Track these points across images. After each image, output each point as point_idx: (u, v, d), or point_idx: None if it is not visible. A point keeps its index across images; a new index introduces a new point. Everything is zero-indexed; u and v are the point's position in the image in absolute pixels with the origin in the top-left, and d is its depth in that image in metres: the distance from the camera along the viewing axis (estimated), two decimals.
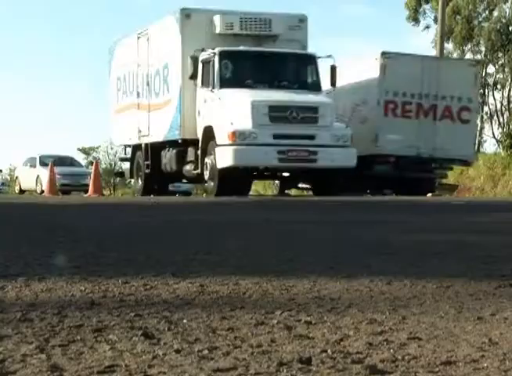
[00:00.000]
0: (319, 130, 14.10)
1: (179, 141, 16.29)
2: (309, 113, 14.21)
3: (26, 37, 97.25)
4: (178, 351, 1.58)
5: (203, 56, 15.21)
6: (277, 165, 14.49)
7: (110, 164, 49.74)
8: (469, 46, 39.65)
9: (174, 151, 16.62)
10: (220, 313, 2.02)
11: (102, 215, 8.23)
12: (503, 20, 37.97)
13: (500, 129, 37.80)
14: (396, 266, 3.10)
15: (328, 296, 2.32)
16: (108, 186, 45.37)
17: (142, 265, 3.10)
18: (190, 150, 15.98)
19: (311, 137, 14.06)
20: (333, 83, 15.09)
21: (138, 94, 18.54)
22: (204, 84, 15.15)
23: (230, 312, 2.04)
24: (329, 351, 1.58)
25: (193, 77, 15.04)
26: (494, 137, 38.05)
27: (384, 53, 16.17)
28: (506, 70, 38.79)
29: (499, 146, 33.18)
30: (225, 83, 14.87)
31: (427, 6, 40.36)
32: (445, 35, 28.49)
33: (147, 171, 17.82)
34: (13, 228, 5.78)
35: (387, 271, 2.87)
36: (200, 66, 15.22)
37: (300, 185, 19.02)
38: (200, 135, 15.30)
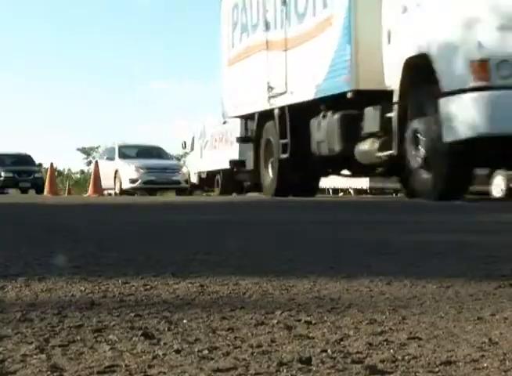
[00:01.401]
0: None
1: (349, 96, 9.43)
2: None
3: (26, 37, 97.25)
4: (178, 351, 1.58)
5: None
6: None
7: None
8: None
9: (338, 116, 9.70)
10: (220, 313, 2.02)
11: (102, 214, 8.24)
12: None
13: None
14: (396, 266, 3.10)
15: (328, 296, 2.32)
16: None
17: (142, 265, 3.10)
18: (371, 113, 9.11)
19: None
20: None
21: (267, 25, 11.58)
22: None
23: (230, 312, 2.04)
24: (329, 351, 1.58)
25: None
26: None
27: None
28: None
29: None
30: None
31: None
32: None
33: (284, 155, 11.22)
34: (13, 228, 5.78)
35: (387, 271, 2.87)
36: None
37: None
38: (394, 80, 8.54)
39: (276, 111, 10.97)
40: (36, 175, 31.62)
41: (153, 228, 5.73)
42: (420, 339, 1.71)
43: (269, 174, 11.82)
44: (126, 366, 1.46)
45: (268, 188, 11.94)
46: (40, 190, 27.34)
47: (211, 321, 1.91)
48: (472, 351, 1.60)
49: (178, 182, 23.27)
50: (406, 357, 1.55)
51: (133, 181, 22.75)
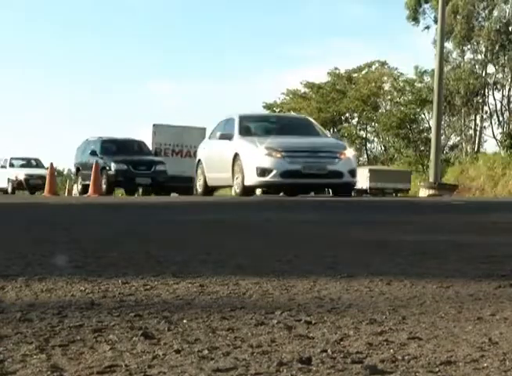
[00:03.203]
0: None
1: None
2: None
3: (25, 37, 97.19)
4: (178, 351, 1.58)
5: None
6: None
7: None
8: (469, 46, 39.66)
9: None
10: (220, 313, 2.02)
11: (102, 215, 8.23)
12: (503, 20, 37.97)
13: (500, 129, 37.81)
14: (396, 266, 3.10)
15: (328, 296, 2.32)
16: None
17: (142, 265, 3.10)
18: None
19: None
20: None
21: None
22: None
23: (230, 312, 2.04)
24: (329, 351, 1.58)
25: None
26: (494, 137, 38.05)
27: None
28: (506, 70, 38.77)
29: (499, 146, 33.19)
30: None
31: (426, 6, 40.38)
32: (444, 35, 28.47)
33: None
34: (13, 228, 5.78)
35: (387, 271, 2.87)
36: None
37: None
38: None
39: None
40: (157, 167, 22.11)
41: (152, 228, 5.73)
42: (420, 339, 1.71)
43: None
44: (126, 366, 1.46)
45: None
46: (160, 188, 21.99)
47: (211, 321, 1.91)
48: (472, 351, 1.60)
49: (339, 175, 13.75)
50: (406, 357, 1.54)
51: (263, 172, 13.78)
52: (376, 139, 50.97)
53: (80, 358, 1.53)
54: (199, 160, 16.59)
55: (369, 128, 50.95)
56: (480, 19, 38.80)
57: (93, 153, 22.16)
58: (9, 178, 31.79)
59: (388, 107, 48.45)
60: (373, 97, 47.98)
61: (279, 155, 13.86)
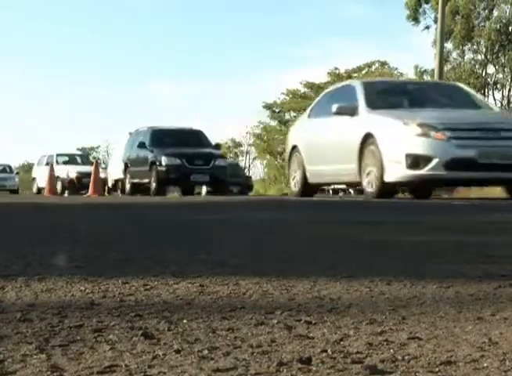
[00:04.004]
0: None
1: None
2: None
3: (25, 36, 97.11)
4: (178, 351, 1.58)
5: None
6: None
7: None
8: (469, 46, 39.67)
9: None
10: (220, 313, 2.02)
11: (102, 214, 8.23)
12: (503, 20, 37.98)
13: None
14: (396, 266, 3.10)
15: (328, 296, 2.32)
16: None
17: (142, 265, 3.10)
18: None
19: None
20: None
21: None
22: None
23: (230, 312, 2.04)
24: (329, 351, 1.58)
25: None
26: None
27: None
28: (506, 70, 38.78)
29: None
30: None
31: (426, 6, 40.38)
32: (444, 35, 28.46)
33: None
34: (13, 228, 5.78)
35: (387, 271, 2.87)
36: None
37: None
38: None
39: None
40: (217, 162, 18.86)
41: (152, 228, 5.73)
42: (420, 339, 1.71)
43: None
44: (126, 366, 1.46)
45: None
46: (220, 187, 19.13)
47: (211, 321, 1.91)
48: (472, 351, 1.60)
49: None
50: (406, 357, 1.54)
51: (416, 161, 9.66)
52: None
53: (80, 358, 1.53)
54: (293, 148, 11.88)
55: None
56: (480, 19, 38.80)
57: (142, 145, 18.84)
58: (58, 177, 26.68)
59: None
60: None
61: (441, 136, 9.32)
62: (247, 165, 66.95)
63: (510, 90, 38.86)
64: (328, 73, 51.79)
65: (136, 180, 18.82)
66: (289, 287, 2.50)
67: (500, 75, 38.94)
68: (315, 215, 7.84)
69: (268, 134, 58.35)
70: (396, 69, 48.45)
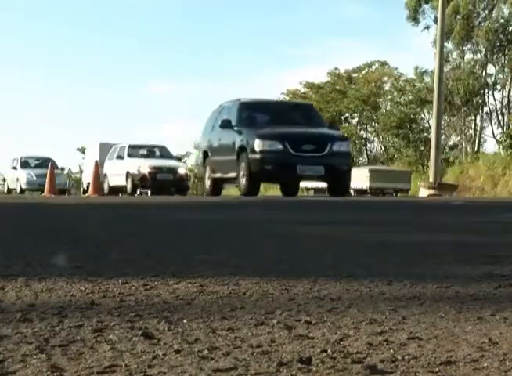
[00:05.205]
0: None
1: None
2: None
3: (25, 36, 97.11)
4: (178, 351, 1.58)
5: None
6: None
7: None
8: (468, 46, 39.66)
9: None
10: (220, 313, 2.02)
11: (102, 214, 8.23)
12: (502, 21, 37.95)
13: (500, 129, 37.80)
14: (396, 266, 3.10)
15: (328, 296, 2.32)
16: None
17: (142, 265, 3.10)
18: None
19: None
20: None
21: None
22: None
23: (230, 312, 2.04)
24: (329, 351, 1.58)
25: None
26: (494, 137, 38.05)
27: None
28: (506, 70, 38.77)
29: (499, 146, 33.18)
30: None
31: (426, 6, 40.37)
32: (444, 35, 28.47)
33: None
34: (13, 228, 5.78)
35: (387, 271, 2.87)
36: None
37: None
38: None
39: None
40: (335, 146, 13.38)
41: (152, 228, 5.72)
42: (420, 339, 1.71)
43: None
44: (126, 366, 1.46)
45: None
46: (337, 184, 13.81)
47: (211, 321, 1.91)
48: (472, 351, 1.60)
49: None
50: (406, 357, 1.54)
51: None
52: (376, 139, 51.01)
53: (80, 358, 1.53)
54: None
55: (369, 128, 50.97)
56: (480, 19, 38.78)
57: (226, 124, 13.78)
58: (128, 172, 21.96)
59: (388, 107, 48.45)
60: (373, 97, 47.98)
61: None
62: None
63: (510, 90, 38.85)
64: (328, 73, 51.83)
65: (218, 175, 14.17)
66: (289, 287, 2.50)
67: (500, 75, 38.94)
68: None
69: None
70: (396, 69, 48.48)
